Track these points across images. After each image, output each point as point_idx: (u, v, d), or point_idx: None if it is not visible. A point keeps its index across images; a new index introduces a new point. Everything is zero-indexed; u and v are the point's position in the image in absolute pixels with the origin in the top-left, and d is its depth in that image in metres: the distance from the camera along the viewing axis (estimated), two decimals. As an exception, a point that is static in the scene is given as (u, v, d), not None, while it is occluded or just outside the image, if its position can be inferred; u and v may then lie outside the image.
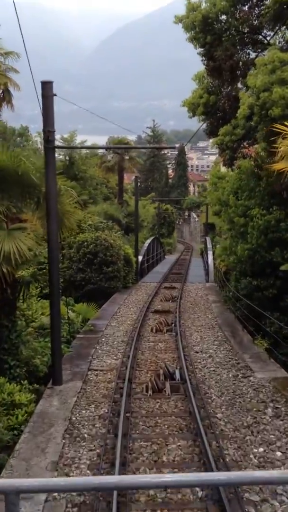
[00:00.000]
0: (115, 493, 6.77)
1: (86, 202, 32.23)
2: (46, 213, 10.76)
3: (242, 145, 22.43)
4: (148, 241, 41.64)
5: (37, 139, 61.95)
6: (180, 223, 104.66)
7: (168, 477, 3.14)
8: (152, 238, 43.72)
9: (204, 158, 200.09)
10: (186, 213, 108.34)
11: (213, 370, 13.07)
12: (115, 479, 3.73)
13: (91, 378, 12.48)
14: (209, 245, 40.50)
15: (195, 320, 20.06)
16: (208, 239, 43.83)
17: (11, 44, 25.30)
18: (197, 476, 3.63)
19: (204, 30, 21.69)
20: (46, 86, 10.65)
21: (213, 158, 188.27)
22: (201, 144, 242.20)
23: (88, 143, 64.50)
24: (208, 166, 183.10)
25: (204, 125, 24.48)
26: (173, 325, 18.93)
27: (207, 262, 36.42)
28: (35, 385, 11.61)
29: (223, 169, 28.79)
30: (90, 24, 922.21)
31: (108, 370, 13.13)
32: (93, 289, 26.45)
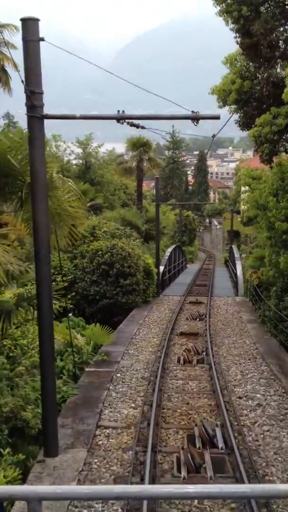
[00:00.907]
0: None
1: (101, 207, 28.94)
2: (32, 212, 7.39)
3: (284, 137, 18.98)
4: (170, 249, 38.24)
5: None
6: (200, 230, 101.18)
7: (191, 488, 3.10)
8: (173, 246, 40.29)
9: (224, 165, 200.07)
10: (207, 221, 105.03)
11: (268, 430, 9.54)
12: (137, 488, 3.62)
13: (100, 443, 9.01)
14: (236, 254, 36.99)
15: (230, 346, 16.55)
16: (234, 247, 40.31)
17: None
18: (220, 487, 3.33)
19: (238, 1, 18.30)
20: (29, 26, 7.25)
21: (233, 165, 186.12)
22: (221, 151, 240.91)
23: (105, 148, 61.69)
24: (228, 174, 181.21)
25: (236, 116, 21.09)
26: (204, 353, 15.46)
27: (235, 274, 32.87)
28: (19, 455, 8.24)
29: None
30: (107, 34, 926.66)
31: (124, 428, 9.65)
32: (108, 304, 23.20)
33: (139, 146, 32.59)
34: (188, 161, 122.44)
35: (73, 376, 12.74)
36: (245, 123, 20.77)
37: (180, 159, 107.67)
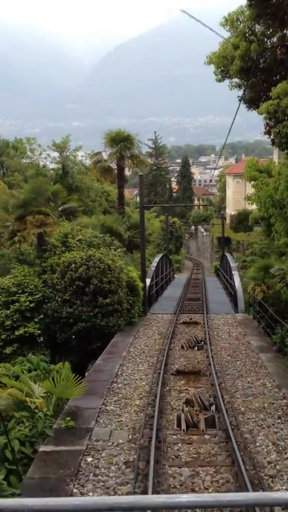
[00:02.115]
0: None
1: (76, 211, 24.41)
2: None
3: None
4: (157, 259, 33.77)
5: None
6: (186, 238, 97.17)
7: (184, 497, 3.12)
8: (160, 255, 35.85)
9: (207, 172, 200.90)
10: (193, 228, 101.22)
11: None
12: (129, 499, 3.41)
13: None
14: (231, 263, 32.58)
15: (246, 393, 12.03)
16: (228, 255, 35.92)
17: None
18: (213, 496, 3.68)
19: None
20: None
21: (216, 172, 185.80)
22: (203, 159, 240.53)
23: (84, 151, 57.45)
24: (211, 181, 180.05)
25: (240, 93, 16.78)
26: (212, 408, 10.94)
27: (233, 286, 28.46)
28: None
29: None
30: (90, 43, 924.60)
31: None
32: (85, 328, 18.84)
33: (119, 141, 28.08)
34: (171, 169, 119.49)
35: (19, 464, 8.16)
36: (252, 99, 16.54)
37: (163, 166, 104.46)
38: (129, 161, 28.46)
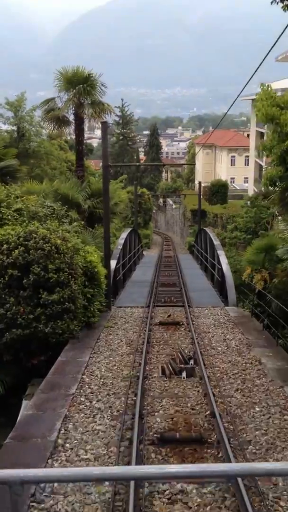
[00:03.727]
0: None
1: (15, 171, 18.05)
2: None
3: None
4: (124, 235, 27.67)
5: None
6: (154, 211, 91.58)
7: (172, 467, 3.26)
8: (129, 230, 29.74)
9: (174, 144, 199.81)
10: (161, 200, 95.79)
11: None
12: (119, 469, 3.67)
13: None
14: (215, 241, 26.66)
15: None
16: (209, 231, 29.96)
17: None
18: (200, 467, 3.87)
19: None
20: None
21: (183, 145, 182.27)
22: (170, 131, 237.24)
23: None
24: (178, 153, 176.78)
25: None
26: None
27: (220, 269, 22.65)
28: None
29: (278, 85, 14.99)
30: (53, 11, 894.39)
31: None
32: (22, 337, 13.04)
33: (77, 83, 21.57)
34: (138, 140, 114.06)
35: None
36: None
37: (130, 135, 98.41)
38: (90, 110, 22.00)
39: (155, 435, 7.94)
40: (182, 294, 21.86)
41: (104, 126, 16.84)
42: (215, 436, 7.97)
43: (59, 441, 7.80)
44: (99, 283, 16.11)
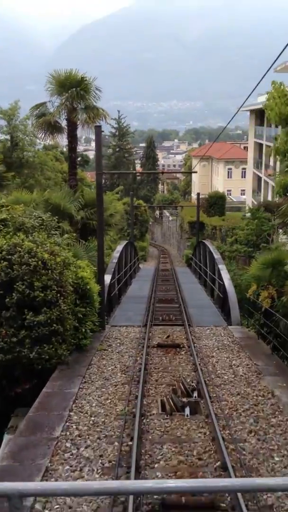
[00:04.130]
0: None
1: (3, 178, 16.56)
2: None
3: None
4: (120, 247, 26.18)
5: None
6: (150, 223, 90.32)
7: (171, 482, 3.17)
8: (125, 243, 28.27)
9: (170, 157, 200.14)
10: (157, 212, 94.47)
11: None
12: (116, 484, 3.57)
13: None
14: (215, 254, 25.20)
15: None
16: (209, 243, 28.50)
17: None
18: (200, 482, 3.57)
19: None
20: None
21: (179, 157, 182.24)
22: (167, 144, 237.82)
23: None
24: (174, 166, 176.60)
25: None
26: None
27: (222, 285, 21.15)
28: None
29: None
30: (52, 24, 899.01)
31: None
32: (2, 363, 11.60)
33: (70, 86, 20.11)
34: (134, 152, 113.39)
35: None
36: None
37: (127, 147, 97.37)
38: (84, 115, 20.53)
39: (156, 499, 6.37)
40: (181, 312, 20.37)
41: (98, 130, 15.41)
42: (229, 500, 6.42)
43: (37, 506, 6.24)
44: (91, 301, 14.63)
